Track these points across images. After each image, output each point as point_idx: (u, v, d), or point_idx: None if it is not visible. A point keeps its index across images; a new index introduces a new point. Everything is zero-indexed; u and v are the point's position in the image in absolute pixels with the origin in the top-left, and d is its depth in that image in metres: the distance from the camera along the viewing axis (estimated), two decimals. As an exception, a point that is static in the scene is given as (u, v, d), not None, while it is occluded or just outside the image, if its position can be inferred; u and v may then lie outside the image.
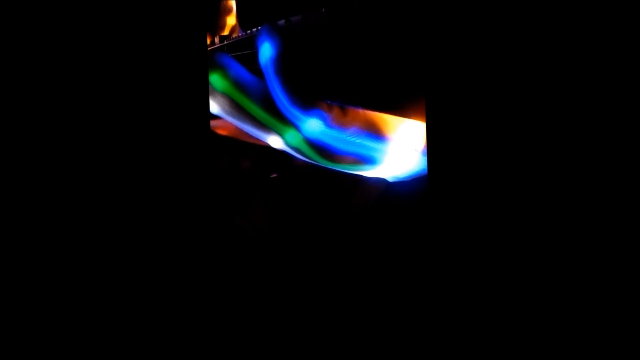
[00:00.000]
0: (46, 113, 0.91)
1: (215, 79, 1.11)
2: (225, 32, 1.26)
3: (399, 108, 1.00)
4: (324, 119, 1.04)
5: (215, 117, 1.14)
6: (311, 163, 1.09)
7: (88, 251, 0.92)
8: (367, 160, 1.03)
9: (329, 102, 1.07)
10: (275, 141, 1.12)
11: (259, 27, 1.17)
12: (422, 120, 0.97)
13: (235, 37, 1.25)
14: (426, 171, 0.95)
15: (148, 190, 0.94)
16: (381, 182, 1.04)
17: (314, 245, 1.04)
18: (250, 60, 1.17)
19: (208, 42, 1.33)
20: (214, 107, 1.16)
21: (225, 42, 1.25)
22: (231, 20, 1.26)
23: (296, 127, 1.07)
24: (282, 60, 1.08)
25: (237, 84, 1.12)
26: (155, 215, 0.94)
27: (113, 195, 0.93)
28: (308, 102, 1.05)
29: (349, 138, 1.03)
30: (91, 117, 0.92)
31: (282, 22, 1.18)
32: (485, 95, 0.89)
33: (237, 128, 1.15)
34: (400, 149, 1.00)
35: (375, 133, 1.02)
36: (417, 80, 0.95)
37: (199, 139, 0.96)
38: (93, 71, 0.92)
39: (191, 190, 0.95)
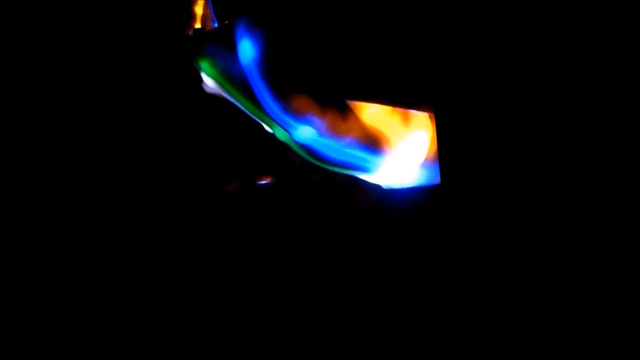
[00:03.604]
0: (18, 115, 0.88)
1: (205, 66, 1.02)
2: (198, 24, 1.19)
3: (401, 100, 0.93)
4: (317, 127, 0.97)
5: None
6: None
7: (76, 260, 0.90)
8: (359, 168, 0.98)
9: (325, 98, 0.98)
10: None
11: (235, 20, 1.08)
12: (425, 112, 0.93)
13: (209, 29, 1.17)
14: (425, 184, 0.93)
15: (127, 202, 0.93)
16: (376, 187, 0.98)
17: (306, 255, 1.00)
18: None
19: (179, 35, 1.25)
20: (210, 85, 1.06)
21: (200, 35, 1.17)
22: (203, 10, 1.18)
23: (287, 133, 0.99)
24: (267, 61, 0.97)
25: (226, 75, 1.01)
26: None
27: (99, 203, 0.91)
28: (300, 109, 0.97)
29: (342, 148, 0.97)
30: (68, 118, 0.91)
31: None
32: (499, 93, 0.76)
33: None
34: (397, 162, 0.96)
35: (372, 146, 0.96)
36: (420, 71, 0.87)
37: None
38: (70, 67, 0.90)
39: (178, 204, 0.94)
